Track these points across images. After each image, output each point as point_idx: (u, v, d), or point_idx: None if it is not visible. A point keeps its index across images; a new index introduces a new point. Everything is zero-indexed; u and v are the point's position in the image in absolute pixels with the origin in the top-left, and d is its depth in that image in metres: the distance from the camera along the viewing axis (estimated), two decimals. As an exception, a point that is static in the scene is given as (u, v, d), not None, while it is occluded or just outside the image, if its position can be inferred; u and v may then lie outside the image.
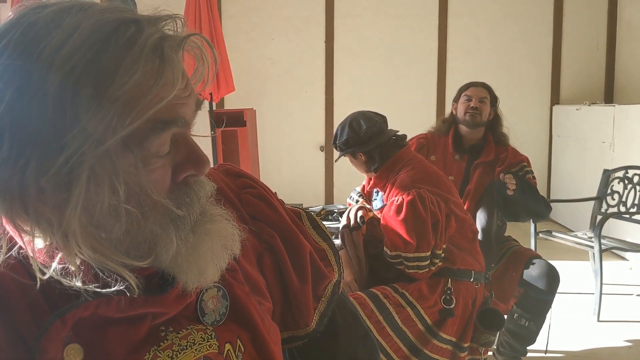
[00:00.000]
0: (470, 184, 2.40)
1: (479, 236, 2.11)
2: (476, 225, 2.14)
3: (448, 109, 2.62)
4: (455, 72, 5.39)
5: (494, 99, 2.50)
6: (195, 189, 0.57)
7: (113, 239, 0.51)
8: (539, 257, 2.29)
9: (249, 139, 4.40)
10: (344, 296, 0.87)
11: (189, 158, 0.56)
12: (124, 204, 0.50)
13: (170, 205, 0.54)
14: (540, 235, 3.37)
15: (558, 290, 2.22)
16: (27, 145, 0.47)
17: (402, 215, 1.75)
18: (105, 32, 0.49)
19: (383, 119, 2.03)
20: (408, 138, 2.14)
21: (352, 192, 2.29)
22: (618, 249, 3.26)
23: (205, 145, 3.74)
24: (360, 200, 2.18)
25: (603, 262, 3.02)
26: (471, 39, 5.44)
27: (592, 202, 3.56)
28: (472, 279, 1.86)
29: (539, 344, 2.38)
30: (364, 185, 2.21)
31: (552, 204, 2.53)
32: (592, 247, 3.13)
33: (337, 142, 2.04)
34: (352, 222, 1.96)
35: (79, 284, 0.51)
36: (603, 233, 3.09)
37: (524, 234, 3.40)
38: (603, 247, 3.05)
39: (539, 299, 2.19)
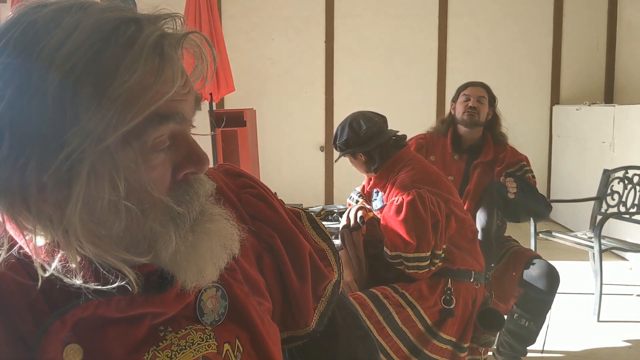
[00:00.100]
0: (470, 184, 2.40)
1: (479, 236, 2.11)
2: (476, 225, 2.14)
3: (448, 109, 2.62)
4: (455, 72, 5.39)
5: (492, 99, 2.50)
6: (195, 186, 0.58)
7: (113, 236, 0.52)
8: (539, 257, 2.29)
9: (249, 139, 4.40)
10: (344, 296, 0.87)
11: (189, 156, 0.56)
12: (124, 200, 0.50)
13: (170, 202, 0.55)
14: (540, 235, 3.37)
15: (558, 291, 2.22)
16: (27, 144, 0.48)
17: (402, 215, 1.75)
18: (105, 31, 0.49)
19: (383, 119, 2.03)
20: (408, 138, 2.14)
21: (352, 192, 2.29)
22: (618, 249, 3.26)
23: (205, 146, 3.74)
24: (360, 200, 2.18)
25: (603, 262, 3.02)
26: (471, 39, 5.44)
27: (592, 202, 3.56)
28: (472, 279, 1.86)
29: (541, 344, 2.38)
30: (363, 186, 2.21)
31: (552, 204, 2.53)
32: (592, 247, 3.13)
33: (337, 142, 2.04)
34: (352, 222, 1.96)
35: (79, 281, 0.51)
36: (603, 233, 3.09)
37: (524, 234, 3.41)
38: (603, 247, 3.05)
39: (539, 299, 2.19)
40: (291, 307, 0.75)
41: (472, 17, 5.43)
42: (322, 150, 5.61)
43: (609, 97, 5.39)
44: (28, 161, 0.48)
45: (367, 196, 2.17)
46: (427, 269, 1.77)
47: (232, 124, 4.30)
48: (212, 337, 0.62)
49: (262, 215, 0.75)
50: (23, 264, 0.54)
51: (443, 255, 1.80)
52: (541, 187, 2.58)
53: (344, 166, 2.50)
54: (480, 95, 2.46)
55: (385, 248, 1.81)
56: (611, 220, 3.54)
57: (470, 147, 2.47)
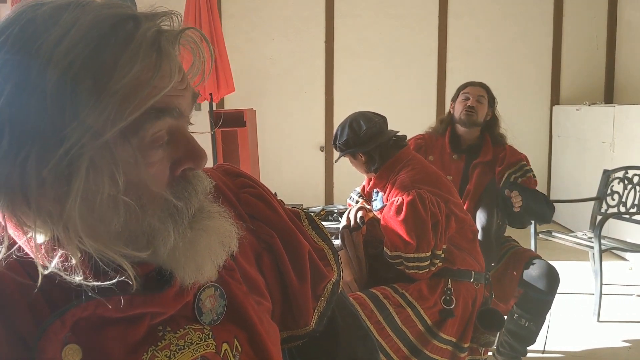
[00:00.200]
0: (470, 184, 2.40)
1: (479, 235, 2.11)
2: (476, 225, 2.14)
3: (448, 109, 2.62)
4: (455, 72, 5.39)
5: (491, 100, 2.50)
6: (193, 183, 0.58)
7: (112, 231, 0.52)
8: (538, 257, 2.29)
9: (249, 139, 4.40)
10: (344, 297, 0.87)
11: (187, 152, 0.56)
12: (123, 195, 0.51)
13: (169, 197, 0.55)
14: (540, 235, 3.37)
15: (558, 291, 2.22)
16: (27, 139, 0.48)
17: (402, 215, 1.75)
18: (103, 28, 0.50)
19: (383, 119, 2.03)
20: (407, 139, 2.14)
21: (352, 192, 2.29)
22: (618, 249, 3.26)
23: (205, 146, 3.73)
24: (360, 200, 2.18)
25: (603, 263, 3.02)
26: (471, 39, 5.44)
27: (592, 203, 3.56)
28: (472, 280, 1.86)
29: (540, 344, 2.38)
30: (364, 186, 2.21)
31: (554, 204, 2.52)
32: (592, 247, 3.13)
33: (337, 142, 2.04)
34: (352, 222, 1.96)
35: (78, 278, 0.51)
36: (603, 233, 3.09)
37: (524, 234, 3.40)
38: (603, 247, 3.05)
39: (538, 300, 2.19)
40: (291, 306, 0.75)
41: (472, 17, 5.42)
42: (322, 151, 5.61)
43: (609, 97, 5.39)
44: (28, 156, 0.48)
45: (367, 196, 2.17)
46: (427, 269, 1.77)
47: (232, 124, 4.30)
48: (210, 336, 0.62)
49: (261, 215, 0.75)
50: (23, 264, 0.54)
51: (443, 255, 1.80)
52: (541, 187, 2.58)
53: (344, 166, 2.50)
54: (480, 94, 2.46)
55: (385, 248, 1.81)
56: (611, 221, 3.54)
57: (468, 147, 2.47)
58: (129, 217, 0.52)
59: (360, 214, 1.96)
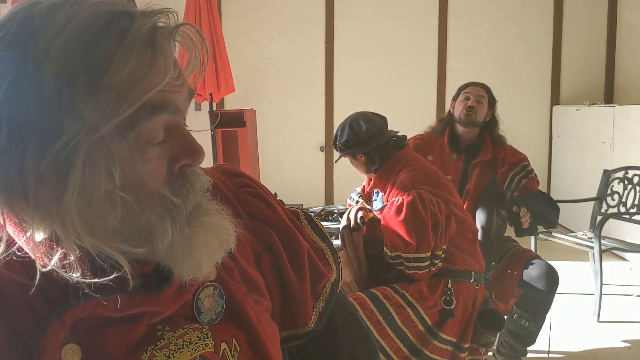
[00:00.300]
0: (469, 183, 2.40)
1: (479, 235, 2.11)
2: (476, 225, 2.14)
3: (448, 109, 2.62)
4: (455, 72, 5.39)
5: (492, 101, 2.50)
6: (190, 179, 0.58)
7: (109, 227, 0.52)
8: (538, 257, 2.29)
9: (249, 139, 4.40)
10: (343, 297, 0.87)
11: (184, 148, 0.57)
12: (120, 191, 0.51)
13: (167, 192, 0.55)
14: (540, 235, 3.37)
15: (558, 291, 2.22)
16: (24, 134, 0.49)
17: (402, 215, 1.75)
18: (98, 24, 0.50)
19: (383, 119, 2.03)
20: (407, 139, 2.14)
21: (352, 192, 2.29)
22: (618, 249, 3.26)
23: (205, 146, 3.74)
24: (361, 201, 2.18)
25: (603, 263, 3.02)
26: (471, 39, 5.44)
27: (592, 203, 3.56)
28: (472, 280, 1.85)
29: (540, 344, 2.38)
30: (364, 186, 2.21)
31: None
32: (592, 247, 3.13)
33: (337, 143, 2.04)
34: (352, 222, 1.96)
35: (76, 275, 0.52)
36: (603, 233, 3.09)
37: (524, 234, 3.40)
38: (603, 247, 3.05)
39: (538, 300, 2.19)
40: (290, 306, 0.75)
41: (472, 17, 5.42)
42: (322, 151, 5.61)
43: (609, 98, 5.39)
44: (26, 150, 0.49)
45: (367, 197, 2.17)
46: (427, 270, 1.77)
47: (232, 125, 4.29)
48: (209, 336, 0.62)
49: (260, 215, 0.75)
50: (23, 264, 0.55)
51: (443, 255, 1.80)
52: (541, 188, 2.57)
53: (344, 167, 2.50)
54: (480, 94, 2.47)
55: (385, 248, 1.81)
56: (611, 221, 3.53)
57: (467, 147, 2.48)
58: (127, 213, 0.52)
59: (360, 214, 1.96)
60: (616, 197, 3.49)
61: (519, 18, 5.41)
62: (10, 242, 0.54)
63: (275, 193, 0.83)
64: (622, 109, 4.19)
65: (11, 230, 0.54)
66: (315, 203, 4.82)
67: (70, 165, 0.49)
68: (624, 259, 4.11)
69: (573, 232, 3.76)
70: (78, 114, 0.49)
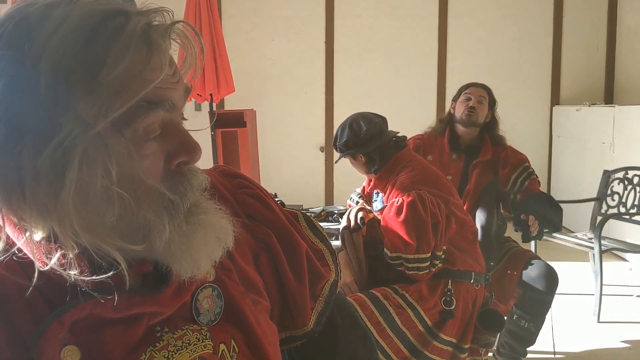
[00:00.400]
0: (469, 183, 2.40)
1: (479, 235, 2.11)
2: (476, 225, 2.14)
3: (448, 109, 2.62)
4: (455, 72, 5.39)
5: (492, 102, 2.51)
6: (188, 177, 0.58)
7: (107, 224, 0.52)
8: (537, 257, 2.29)
9: (249, 139, 4.40)
10: (343, 297, 0.87)
11: (181, 144, 0.57)
12: (117, 188, 0.51)
13: (164, 189, 0.55)
14: (541, 236, 3.37)
15: (558, 291, 2.22)
16: (22, 133, 0.49)
17: (402, 216, 1.75)
18: (94, 22, 0.51)
19: (383, 120, 2.03)
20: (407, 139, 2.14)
21: (352, 193, 2.29)
22: (618, 249, 3.26)
23: (205, 146, 3.74)
24: (361, 201, 2.18)
25: (603, 263, 3.02)
26: (471, 39, 5.43)
27: (592, 203, 3.56)
28: (472, 280, 1.85)
29: (541, 345, 2.38)
30: (364, 187, 2.21)
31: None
32: (592, 248, 3.13)
33: (337, 143, 2.04)
34: (352, 223, 1.96)
35: (74, 272, 0.52)
36: (603, 234, 3.09)
37: (524, 234, 3.40)
38: (603, 248, 3.05)
39: (538, 300, 2.19)
40: (289, 306, 0.75)
41: (472, 17, 5.42)
42: (322, 151, 5.61)
43: (609, 98, 5.39)
44: (23, 148, 0.49)
45: (367, 197, 2.17)
46: (427, 270, 1.77)
47: (232, 125, 4.29)
48: (208, 337, 0.62)
49: (259, 215, 0.75)
50: (22, 265, 0.55)
51: (443, 256, 1.80)
52: (542, 188, 2.57)
53: (344, 167, 2.50)
54: (481, 95, 2.47)
55: (385, 249, 1.81)
56: (611, 221, 3.53)
57: (467, 147, 2.48)
58: (124, 210, 0.53)
59: (360, 214, 1.96)
60: (616, 197, 3.49)
61: (519, 18, 5.41)
62: (10, 244, 0.54)
63: (275, 193, 0.83)
64: (622, 109, 4.19)
65: (10, 230, 0.54)
66: (315, 203, 4.82)
67: (67, 162, 0.49)
68: (624, 259, 4.11)
69: (573, 232, 3.76)
70: (74, 111, 0.49)
